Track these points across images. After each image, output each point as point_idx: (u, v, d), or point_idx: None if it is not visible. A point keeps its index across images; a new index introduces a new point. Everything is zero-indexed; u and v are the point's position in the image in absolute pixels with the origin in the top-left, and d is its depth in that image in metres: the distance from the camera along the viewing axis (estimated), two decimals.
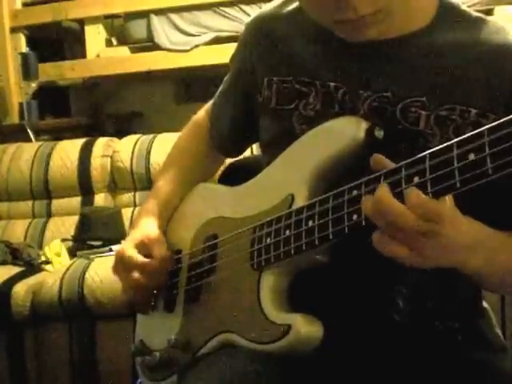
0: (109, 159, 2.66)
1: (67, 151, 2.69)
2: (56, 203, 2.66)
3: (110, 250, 2.28)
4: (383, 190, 0.67)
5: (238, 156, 1.13)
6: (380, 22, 0.77)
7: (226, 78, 1.06)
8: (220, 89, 1.07)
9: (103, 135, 2.87)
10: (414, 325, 0.84)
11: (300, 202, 0.81)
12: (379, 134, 0.77)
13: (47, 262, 2.30)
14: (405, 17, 0.81)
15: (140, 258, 0.96)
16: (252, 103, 0.96)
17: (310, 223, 0.76)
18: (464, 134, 0.63)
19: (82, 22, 3.54)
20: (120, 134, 2.87)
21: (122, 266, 0.97)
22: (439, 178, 0.64)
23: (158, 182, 1.09)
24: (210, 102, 1.11)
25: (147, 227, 1.01)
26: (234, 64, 1.03)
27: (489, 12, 2.92)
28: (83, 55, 3.53)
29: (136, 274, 0.95)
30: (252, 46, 0.96)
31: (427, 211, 0.65)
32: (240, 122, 1.03)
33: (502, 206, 0.79)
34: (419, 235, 0.66)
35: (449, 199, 0.66)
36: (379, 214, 0.67)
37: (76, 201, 2.65)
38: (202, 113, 1.12)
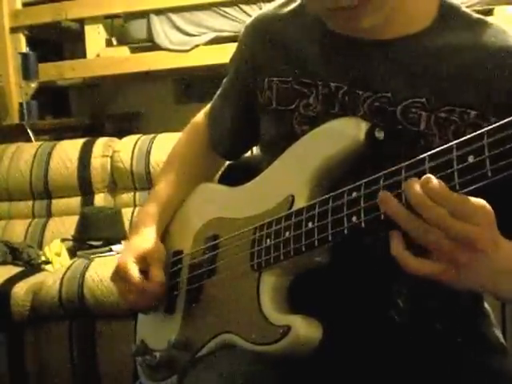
0: (109, 159, 2.66)
1: (67, 151, 2.69)
2: (56, 203, 2.66)
3: (110, 250, 2.28)
4: (416, 186, 0.63)
5: (238, 159, 1.12)
6: (375, 12, 0.77)
7: (224, 81, 1.06)
8: (219, 91, 1.07)
9: (103, 135, 2.87)
10: (414, 325, 0.84)
11: (300, 202, 0.81)
12: (380, 134, 0.77)
13: (47, 262, 2.30)
14: (405, 18, 0.81)
15: (138, 280, 0.95)
16: (252, 104, 0.96)
17: (310, 225, 0.76)
18: (463, 135, 0.63)
19: (82, 22, 3.53)
20: (120, 134, 2.87)
21: (120, 279, 0.97)
22: (439, 179, 0.64)
23: (158, 185, 1.09)
24: (209, 105, 1.11)
25: (148, 237, 1.01)
26: (233, 66, 1.02)
27: (489, 12, 2.92)
28: (83, 55, 3.53)
29: (133, 295, 0.96)
30: (252, 47, 0.96)
31: (454, 205, 0.62)
32: (240, 124, 1.03)
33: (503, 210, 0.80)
34: (453, 243, 0.63)
35: (485, 206, 0.63)
36: (407, 212, 0.64)
37: (76, 201, 2.65)
38: (201, 116, 1.12)
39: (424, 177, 0.63)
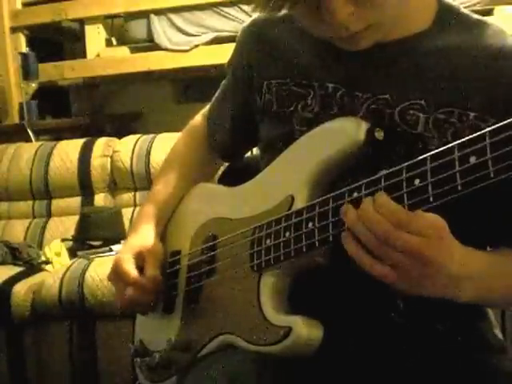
0: (109, 159, 2.67)
1: (67, 151, 2.70)
2: (56, 203, 2.66)
3: (110, 250, 2.28)
4: (368, 202, 0.68)
5: (237, 160, 1.12)
6: (373, 34, 0.78)
7: (223, 82, 1.06)
8: (217, 94, 1.07)
9: (103, 135, 2.87)
10: (414, 326, 0.84)
11: (300, 203, 0.81)
12: (379, 135, 0.77)
13: (47, 262, 2.30)
14: (403, 20, 0.81)
15: (134, 274, 0.96)
16: (250, 106, 0.96)
17: (310, 225, 0.76)
18: (462, 137, 0.63)
19: (82, 22, 3.53)
20: (120, 134, 2.87)
21: (117, 276, 0.97)
22: (440, 180, 0.64)
23: (157, 185, 1.09)
24: (207, 107, 1.10)
25: (146, 235, 1.01)
26: (231, 68, 1.03)
27: (488, 12, 2.91)
28: (83, 55, 3.52)
29: (129, 290, 0.96)
30: (249, 50, 0.96)
31: (399, 219, 0.66)
32: (238, 126, 1.03)
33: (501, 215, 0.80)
34: (402, 254, 0.67)
35: (434, 218, 0.67)
36: (362, 226, 0.68)
37: (76, 201, 2.65)
38: (199, 118, 1.12)
39: (376, 194, 0.68)
